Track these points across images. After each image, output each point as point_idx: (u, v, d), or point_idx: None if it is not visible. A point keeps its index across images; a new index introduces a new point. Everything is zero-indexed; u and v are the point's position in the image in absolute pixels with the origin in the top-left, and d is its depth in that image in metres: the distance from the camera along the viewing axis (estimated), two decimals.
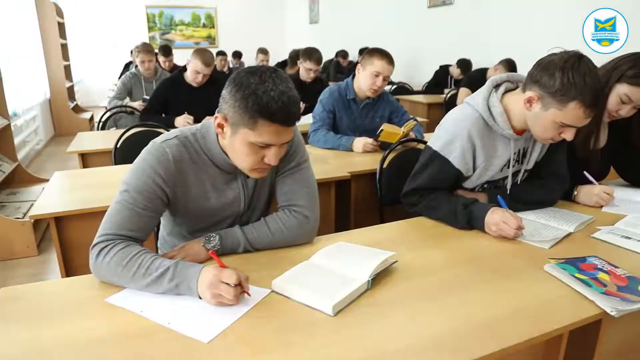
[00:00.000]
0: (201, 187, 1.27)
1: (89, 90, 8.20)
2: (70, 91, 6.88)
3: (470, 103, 1.49)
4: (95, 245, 1.12)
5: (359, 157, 2.36)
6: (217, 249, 1.24)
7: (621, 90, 1.62)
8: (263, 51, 6.47)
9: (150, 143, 1.23)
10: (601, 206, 1.62)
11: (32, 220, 2.94)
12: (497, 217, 1.36)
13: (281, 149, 1.17)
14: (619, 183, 1.89)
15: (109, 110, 3.65)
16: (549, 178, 1.59)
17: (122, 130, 2.68)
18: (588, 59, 1.29)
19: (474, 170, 1.50)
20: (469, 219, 1.42)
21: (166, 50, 5.02)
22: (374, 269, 1.09)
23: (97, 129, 3.55)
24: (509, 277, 1.15)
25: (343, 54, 6.78)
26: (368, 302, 1.04)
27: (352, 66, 6.55)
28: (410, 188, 1.54)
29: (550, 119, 1.32)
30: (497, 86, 1.50)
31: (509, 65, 4.01)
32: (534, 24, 4.44)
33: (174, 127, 3.12)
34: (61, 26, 6.60)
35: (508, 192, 1.53)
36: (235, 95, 1.09)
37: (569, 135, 1.35)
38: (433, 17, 5.90)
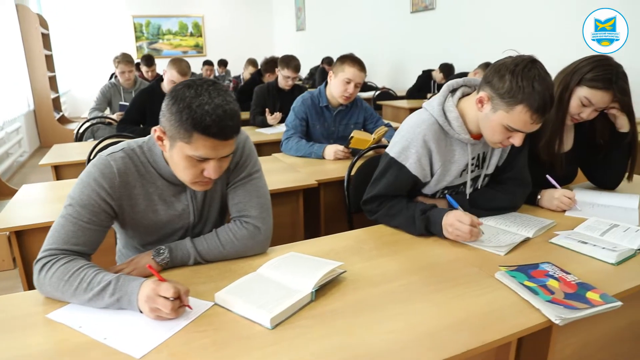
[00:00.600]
0: (149, 200, 1.25)
1: (77, 101, 8.17)
2: (56, 102, 6.85)
3: (426, 108, 1.48)
4: (38, 260, 1.10)
5: (331, 164, 2.35)
6: (167, 261, 1.22)
7: (581, 93, 1.61)
8: (253, 63, 6.43)
9: (97, 156, 1.22)
10: (564, 210, 1.61)
11: (7, 233, 2.90)
12: (451, 218, 1.35)
13: (221, 162, 1.15)
14: (588, 186, 1.88)
15: (88, 121, 3.63)
16: (510, 183, 1.58)
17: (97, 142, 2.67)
18: (541, 65, 1.28)
19: (432, 175, 1.49)
20: (427, 225, 1.40)
21: (149, 60, 5.00)
22: (317, 280, 1.07)
23: (75, 141, 3.52)
24: (459, 285, 1.13)
25: (328, 60, 6.79)
26: (310, 314, 1.02)
27: None
28: (369, 195, 1.52)
29: (498, 121, 1.31)
30: (453, 91, 1.49)
31: (449, 70, 4.01)
32: (517, 27, 4.46)
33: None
34: (45, 37, 6.58)
35: (467, 198, 1.52)
36: (171, 109, 1.08)
37: (517, 141, 1.34)
38: (416, 22, 5.93)
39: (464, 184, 1.54)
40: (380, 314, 1.02)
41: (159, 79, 3.37)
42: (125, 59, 4.06)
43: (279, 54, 9.03)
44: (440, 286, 1.13)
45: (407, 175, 1.46)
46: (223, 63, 7.49)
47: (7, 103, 5.34)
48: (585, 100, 1.62)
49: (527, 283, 1.07)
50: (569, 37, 3.61)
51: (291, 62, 3.52)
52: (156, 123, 3.39)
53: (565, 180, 1.87)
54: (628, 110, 1.67)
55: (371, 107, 2.76)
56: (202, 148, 1.07)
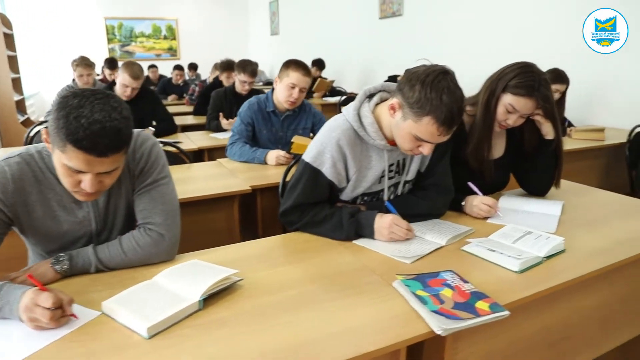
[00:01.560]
0: (47, 207, 1.22)
1: (45, 104, 7.99)
2: (21, 104, 6.69)
3: (343, 113, 1.47)
4: None
5: (273, 170, 2.32)
6: (66, 269, 1.19)
7: (506, 100, 1.62)
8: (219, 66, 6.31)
9: None
10: (486, 217, 1.61)
11: None
12: (388, 221, 1.36)
13: (102, 177, 1.11)
14: (520, 193, 1.88)
15: (40, 124, 3.54)
16: (431, 189, 1.57)
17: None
18: (452, 77, 1.27)
19: (348, 181, 1.47)
20: (357, 228, 1.39)
21: (111, 63, 4.95)
22: (206, 288, 1.04)
23: (25, 144, 3.44)
24: (357, 294, 1.11)
25: (318, 62, 6.76)
26: (193, 323, 0.99)
27: None
28: (287, 206, 1.48)
29: (407, 130, 1.31)
30: (371, 96, 1.48)
31: None
32: (484, 33, 4.51)
33: None
34: (9, 37, 6.43)
35: (385, 204, 1.50)
36: (54, 113, 1.04)
37: (426, 150, 1.34)
38: (384, 28, 5.96)
39: (383, 190, 1.53)
40: (268, 323, 0.99)
41: (112, 83, 3.32)
42: (83, 62, 4.00)
43: (253, 57, 9.00)
44: (337, 294, 1.11)
45: (323, 180, 1.44)
46: (193, 67, 7.44)
47: None
48: (509, 107, 1.62)
49: (419, 292, 1.06)
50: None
51: (247, 67, 3.50)
52: None
53: (498, 187, 1.87)
54: (552, 118, 1.69)
55: (320, 113, 2.75)
56: (75, 160, 1.04)
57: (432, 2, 5.11)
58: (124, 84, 3.15)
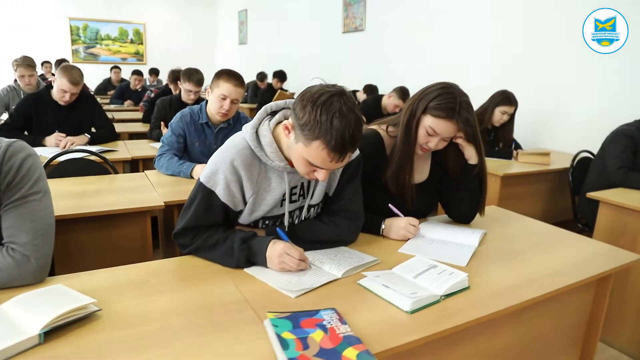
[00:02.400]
0: None
1: None
2: None
3: (242, 131, 1.35)
4: None
5: None
6: None
7: (426, 122, 1.54)
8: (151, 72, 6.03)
9: None
10: (408, 239, 1.52)
11: None
12: (279, 249, 1.23)
13: None
14: (444, 219, 1.79)
15: None
16: (338, 215, 1.46)
17: None
18: (348, 99, 1.15)
19: (245, 204, 1.35)
20: (249, 255, 1.26)
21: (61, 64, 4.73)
22: (50, 320, 0.92)
23: None
24: (222, 331, 0.98)
25: (261, 76, 6.68)
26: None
27: (269, 88, 6.46)
28: (179, 228, 1.34)
29: (299, 153, 1.20)
30: (273, 113, 1.37)
31: (402, 92, 3.99)
32: (446, 48, 4.49)
33: (41, 146, 2.88)
34: None
35: (286, 230, 1.39)
36: None
37: (320, 176, 1.24)
38: (347, 42, 5.92)
39: (292, 212, 1.41)
40: None
41: (49, 85, 3.14)
42: (25, 62, 3.81)
43: (221, 65, 8.86)
44: (198, 332, 0.98)
45: (217, 202, 1.31)
46: (154, 72, 7.24)
47: None
48: (430, 130, 1.54)
49: (285, 335, 0.94)
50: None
51: (193, 76, 3.37)
52: (44, 130, 3.24)
53: (421, 213, 1.78)
54: (475, 141, 1.61)
55: None
56: None
57: (392, 18, 5.09)
58: (62, 89, 2.98)
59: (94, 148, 2.80)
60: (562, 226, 1.79)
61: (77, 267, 1.29)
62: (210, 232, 1.33)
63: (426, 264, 1.30)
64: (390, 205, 1.57)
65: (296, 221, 1.44)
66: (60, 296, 1.05)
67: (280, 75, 6.25)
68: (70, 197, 1.97)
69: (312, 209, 1.45)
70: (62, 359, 0.88)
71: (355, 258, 1.35)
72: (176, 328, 0.99)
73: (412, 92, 4.85)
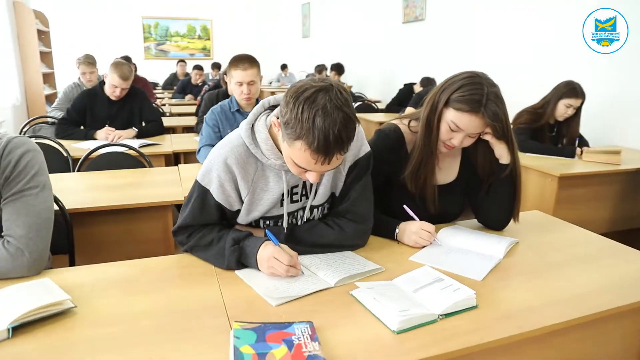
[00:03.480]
0: None
1: None
2: (52, 98, 6.95)
3: (240, 127, 1.28)
4: None
5: None
6: None
7: (448, 116, 1.38)
8: (218, 66, 6.07)
9: None
10: (423, 246, 1.38)
11: None
12: (269, 252, 1.17)
13: None
14: (474, 225, 1.61)
15: (31, 120, 3.59)
16: (344, 217, 1.35)
17: None
18: (336, 94, 1.03)
19: (242, 203, 1.28)
20: (240, 256, 1.20)
21: (126, 62, 4.97)
22: (19, 315, 0.92)
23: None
24: (187, 339, 0.92)
25: (319, 68, 6.59)
26: None
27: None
28: (177, 226, 1.30)
29: (286, 153, 1.11)
30: (272, 108, 1.28)
31: (430, 83, 3.72)
32: (509, 39, 4.17)
33: (93, 139, 3.04)
34: (45, 34, 6.69)
35: (285, 232, 1.30)
36: None
37: (311, 178, 1.13)
38: (407, 33, 5.68)
39: (293, 213, 1.33)
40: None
41: (103, 82, 3.29)
42: (86, 60, 4.03)
43: (285, 59, 8.95)
44: (166, 337, 0.93)
45: (212, 202, 1.26)
46: (216, 66, 7.43)
47: None
48: (452, 125, 1.38)
49: (244, 348, 0.86)
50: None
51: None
52: (97, 125, 3.40)
53: (447, 217, 1.61)
54: (505, 138, 1.42)
55: None
56: None
57: (453, 7, 4.80)
58: (112, 84, 3.12)
59: (137, 142, 2.88)
60: (636, 235, 1.54)
61: (98, 259, 1.31)
62: (206, 231, 1.29)
63: (432, 277, 1.16)
64: (405, 206, 1.43)
65: (299, 222, 1.35)
66: (40, 291, 1.05)
67: (338, 68, 6.13)
68: (100, 189, 2.03)
69: (315, 210, 1.35)
70: (25, 355, 0.88)
71: (357, 265, 1.24)
72: (144, 331, 0.96)
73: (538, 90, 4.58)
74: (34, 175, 1.22)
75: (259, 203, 1.28)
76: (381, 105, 5.57)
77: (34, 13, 6.37)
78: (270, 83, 9.53)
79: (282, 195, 1.28)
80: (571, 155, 2.80)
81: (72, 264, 1.67)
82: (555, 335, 1.10)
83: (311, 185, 1.32)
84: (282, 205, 1.30)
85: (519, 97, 2.93)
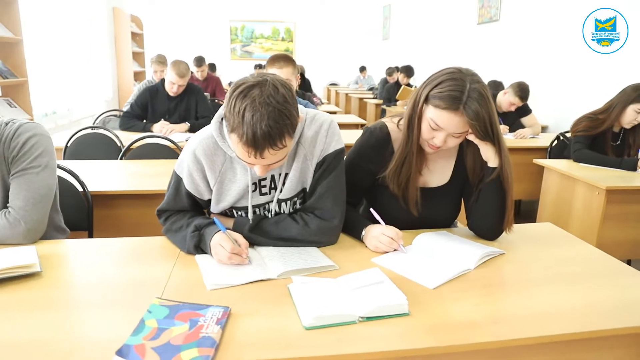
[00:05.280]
0: None
1: None
2: None
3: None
4: None
5: None
6: None
7: (428, 113, 1.32)
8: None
9: None
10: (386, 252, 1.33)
11: None
12: (215, 240, 1.22)
13: None
14: (466, 233, 1.52)
15: (103, 113, 3.99)
16: (310, 213, 1.35)
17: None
18: (269, 90, 1.05)
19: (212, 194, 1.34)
20: (199, 242, 1.27)
21: (199, 61, 5.34)
22: None
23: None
24: (114, 309, 1.00)
25: (389, 71, 6.52)
26: None
27: (395, 83, 6.27)
28: (157, 209, 1.40)
29: (233, 145, 1.14)
30: None
31: (520, 89, 3.49)
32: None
33: (150, 132, 3.32)
34: (138, 36, 7.39)
35: (250, 223, 1.33)
36: None
37: (257, 171, 1.17)
38: (481, 34, 5.41)
39: (262, 205, 1.36)
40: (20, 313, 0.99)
41: (163, 79, 3.57)
42: (158, 59, 4.39)
43: (364, 62, 8.95)
44: (95, 304, 1.03)
45: (184, 189, 1.33)
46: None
47: (90, 96, 6.10)
48: (432, 123, 1.31)
49: (149, 322, 0.91)
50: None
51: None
52: (155, 119, 3.69)
53: (436, 222, 1.54)
54: (490, 139, 1.32)
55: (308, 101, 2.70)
56: None
57: (528, 7, 4.48)
58: (170, 81, 3.38)
59: (185, 135, 3.10)
60: None
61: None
62: (179, 216, 1.37)
63: (375, 279, 1.12)
64: (371, 209, 1.39)
65: (270, 214, 1.38)
66: (19, 255, 1.18)
67: (407, 71, 6.00)
68: (131, 176, 2.22)
69: (283, 204, 1.37)
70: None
71: (310, 260, 1.24)
72: (85, 298, 1.07)
73: (541, 90, 4.31)
74: (37, 156, 1.38)
75: (227, 193, 1.33)
76: None
77: (131, 17, 7.06)
78: (349, 85, 9.59)
79: (254, 186, 1.31)
80: (632, 167, 2.49)
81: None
82: (485, 356, 1.01)
83: (279, 178, 1.33)
84: (254, 198, 1.33)
85: (599, 102, 2.74)
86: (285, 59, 2.53)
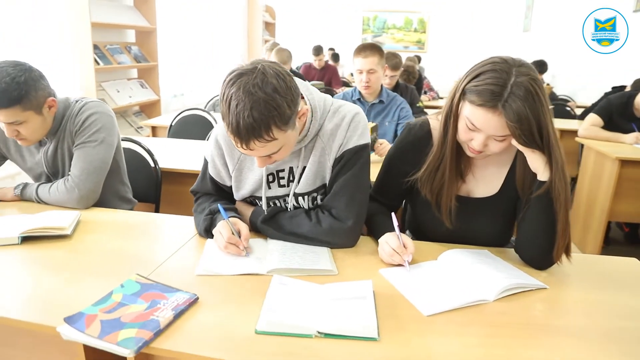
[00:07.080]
0: (18, 150, 1.63)
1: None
2: None
3: None
4: None
5: None
6: (18, 194, 1.57)
7: (465, 111, 1.14)
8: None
9: None
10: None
11: None
12: (218, 227, 1.23)
13: (13, 127, 1.42)
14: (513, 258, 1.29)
15: (215, 96, 4.27)
16: (326, 211, 1.27)
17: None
18: (256, 78, 0.99)
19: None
20: (210, 227, 1.29)
21: (317, 50, 5.44)
22: (26, 230, 1.24)
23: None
24: (106, 278, 1.06)
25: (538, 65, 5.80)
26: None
27: None
28: (190, 189, 1.46)
29: None
30: None
31: None
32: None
33: None
34: (271, 25, 7.79)
35: (265, 214, 1.30)
36: None
37: (257, 163, 1.15)
38: None
39: (281, 197, 1.32)
40: (44, 273, 1.12)
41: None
42: (272, 47, 4.57)
43: (501, 54, 8.26)
44: (94, 271, 1.12)
45: (209, 174, 1.37)
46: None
47: (219, 81, 6.59)
48: (468, 122, 1.13)
49: (115, 296, 0.96)
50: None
51: (389, 60, 3.30)
52: None
53: (478, 239, 1.33)
54: (539, 147, 1.10)
55: (407, 106, 2.54)
56: None
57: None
58: None
59: None
60: None
61: (177, 213, 1.55)
62: (204, 198, 1.41)
63: (359, 293, 1.01)
64: (392, 214, 1.24)
65: (290, 207, 1.33)
66: (60, 218, 1.34)
67: (540, 66, 5.25)
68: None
69: (301, 198, 1.31)
70: (30, 257, 1.19)
71: (311, 261, 1.17)
72: (95, 262, 1.18)
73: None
74: (96, 132, 1.55)
75: (245, 182, 1.32)
76: None
77: (265, 7, 7.47)
78: None
79: (271, 176, 1.29)
80: None
81: (156, 211, 2.01)
82: None
83: (297, 171, 1.28)
84: (269, 187, 1.31)
85: None
86: (372, 48, 2.45)
